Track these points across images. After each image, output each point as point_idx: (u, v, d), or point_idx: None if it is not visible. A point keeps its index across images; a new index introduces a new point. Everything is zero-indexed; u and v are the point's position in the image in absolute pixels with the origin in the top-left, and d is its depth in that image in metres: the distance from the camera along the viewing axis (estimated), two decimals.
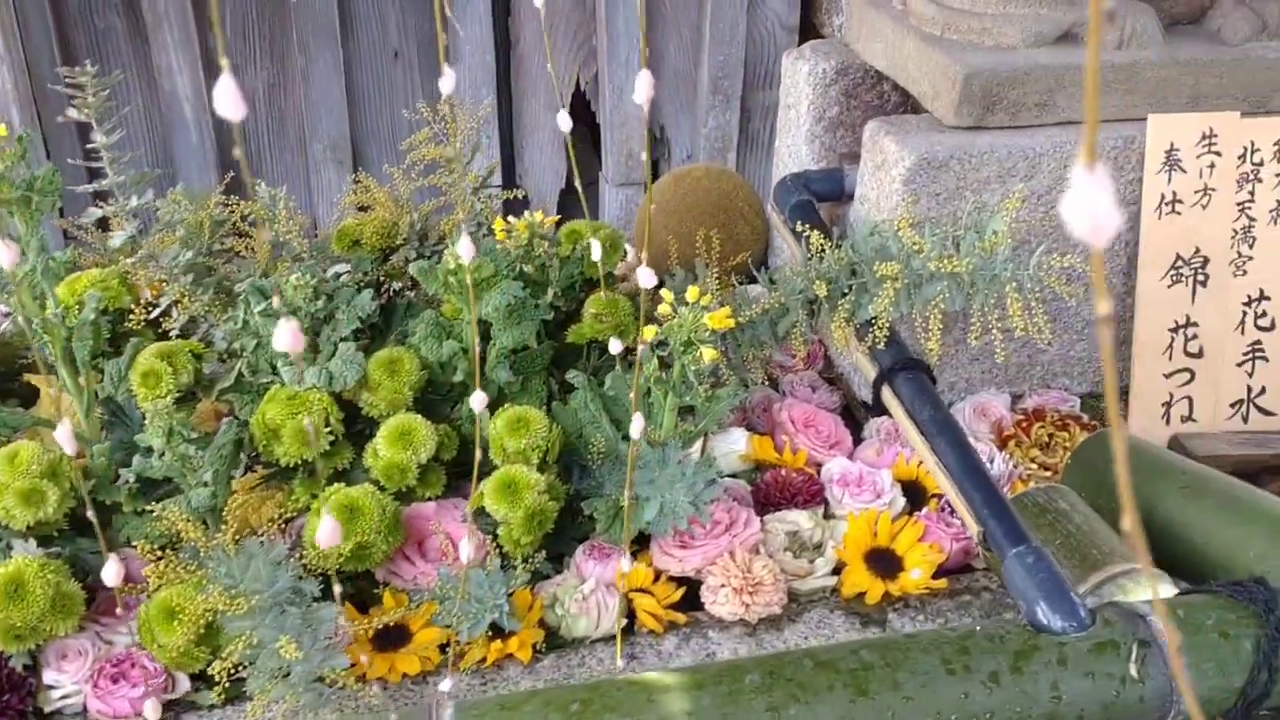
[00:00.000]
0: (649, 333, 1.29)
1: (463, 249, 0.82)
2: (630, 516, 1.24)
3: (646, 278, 0.87)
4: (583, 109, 2.41)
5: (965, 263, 1.20)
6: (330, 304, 1.41)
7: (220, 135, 2.15)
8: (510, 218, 1.56)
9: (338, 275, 1.64)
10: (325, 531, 0.82)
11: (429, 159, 1.67)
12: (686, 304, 1.30)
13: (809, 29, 2.42)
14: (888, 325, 1.28)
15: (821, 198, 1.68)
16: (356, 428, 1.39)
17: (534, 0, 1.07)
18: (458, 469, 1.39)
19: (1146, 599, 1.01)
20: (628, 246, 2.13)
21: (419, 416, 1.31)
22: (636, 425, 0.90)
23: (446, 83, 0.71)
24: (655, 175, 2.50)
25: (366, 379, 1.36)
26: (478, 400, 0.90)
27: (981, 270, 1.21)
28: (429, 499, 1.32)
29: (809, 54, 1.76)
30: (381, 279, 1.67)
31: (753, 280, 1.86)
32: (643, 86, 0.68)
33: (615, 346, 1.21)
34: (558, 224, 2.57)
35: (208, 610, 1.11)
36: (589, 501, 1.28)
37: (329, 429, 1.32)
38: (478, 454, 0.96)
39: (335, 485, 1.26)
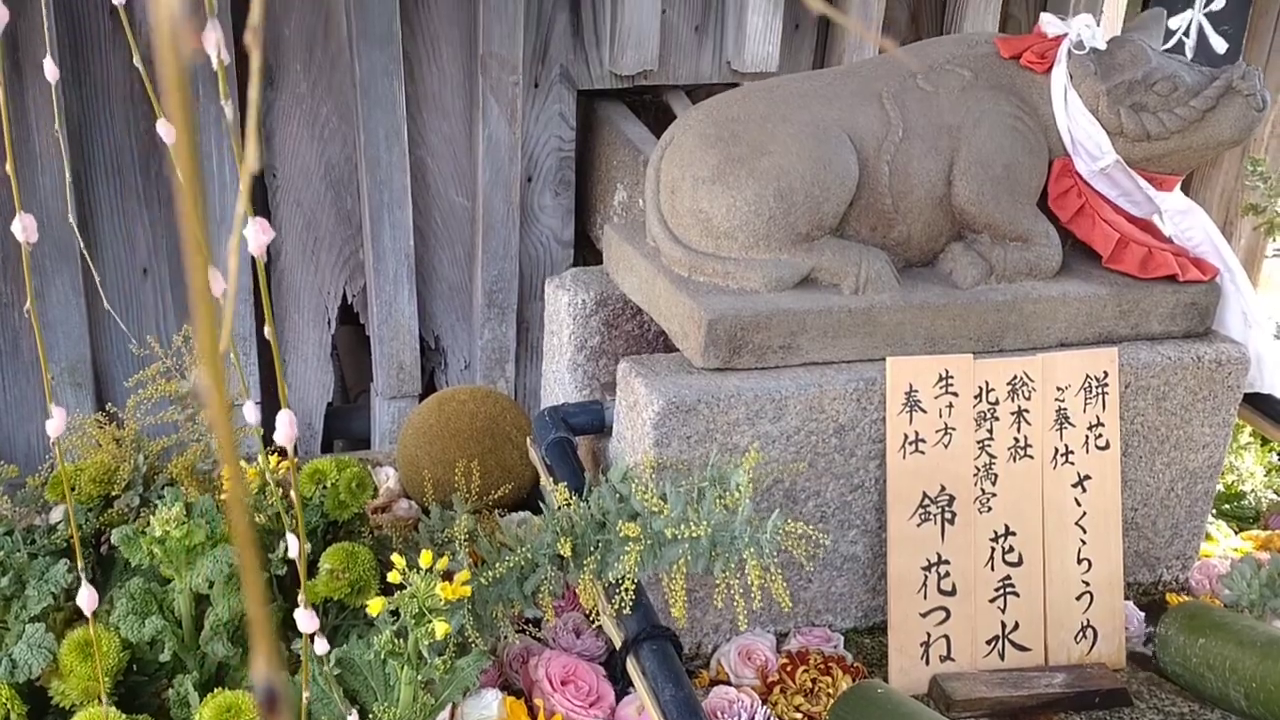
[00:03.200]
0: (375, 606, 1.19)
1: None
2: None
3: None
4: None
5: (704, 527, 1.16)
6: (24, 571, 1.26)
7: None
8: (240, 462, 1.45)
9: (53, 528, 1.49)
10: None
11: (160, 396, 1.55)
12: (419, 569, 1.21)
13: (585, 242, 2.45)
14: (633, 588, 1.22)
15: (581, 431, 1.64)
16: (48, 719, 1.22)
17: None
18: None
19: None
20: (391, 470, 2.03)
21: (111, 710, 1.16)
22: None
23: None
24: (431, 386, 2.43)
25: (58, 664, 1.20)
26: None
27: (721, 532, 1.17)
28: None
29: (569, 283, 1.75)
30: (101, 529, 1.52)
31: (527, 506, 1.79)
32: (283, 425, 0.61)
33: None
34: (326, 440, 2.46)
35: None
36: None
37: None
38: None
39: None
